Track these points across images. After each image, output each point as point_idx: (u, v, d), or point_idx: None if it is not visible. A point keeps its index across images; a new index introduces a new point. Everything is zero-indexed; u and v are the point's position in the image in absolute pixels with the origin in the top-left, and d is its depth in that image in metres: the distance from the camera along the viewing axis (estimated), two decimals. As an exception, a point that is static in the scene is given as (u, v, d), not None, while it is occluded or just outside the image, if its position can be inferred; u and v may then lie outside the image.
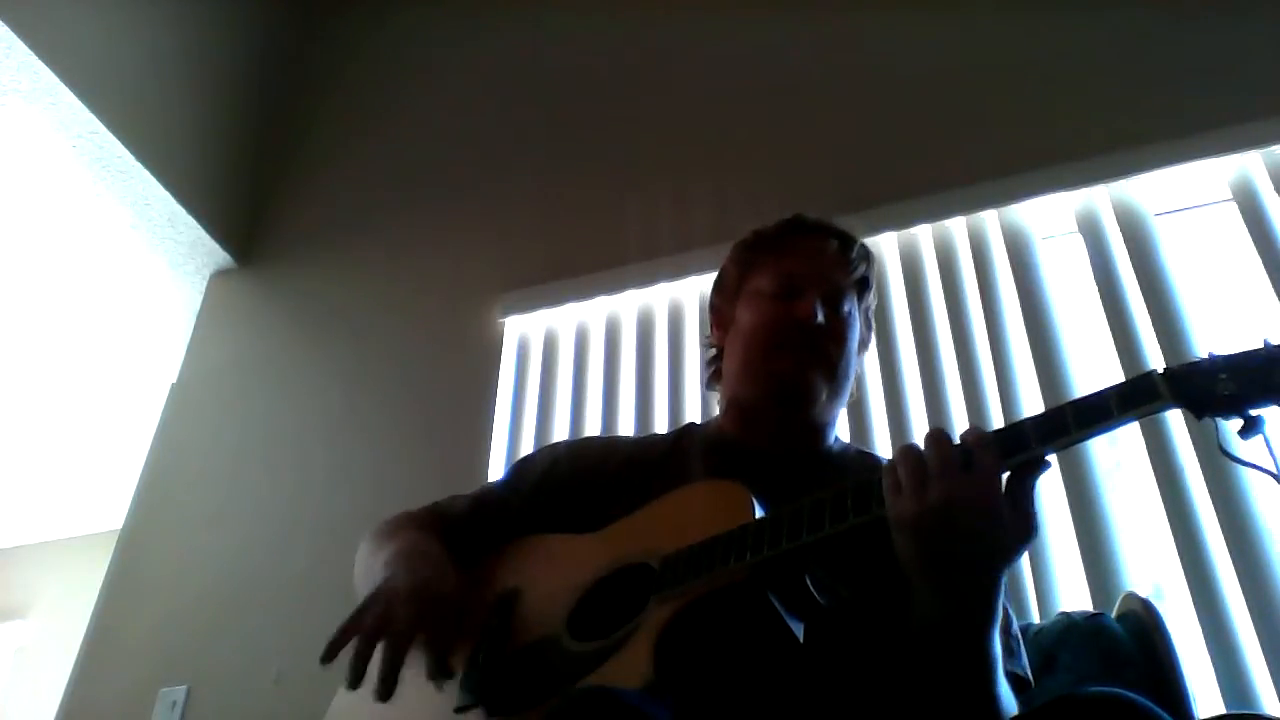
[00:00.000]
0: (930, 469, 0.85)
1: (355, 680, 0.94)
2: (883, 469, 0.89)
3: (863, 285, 1.28)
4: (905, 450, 0.88)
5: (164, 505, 2.44)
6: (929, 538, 0.85)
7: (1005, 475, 0.86)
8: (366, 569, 1.18)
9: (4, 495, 4.41)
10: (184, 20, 2.85)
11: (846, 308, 1.24)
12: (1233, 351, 0.81)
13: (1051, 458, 0.87)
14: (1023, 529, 0.86)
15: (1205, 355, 0.82)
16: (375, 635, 0.95)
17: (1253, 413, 0.78)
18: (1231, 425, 0.79)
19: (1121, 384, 0.84)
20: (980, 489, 0.84)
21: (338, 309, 2.65)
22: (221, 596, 2.22)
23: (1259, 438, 0.78)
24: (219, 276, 2.86)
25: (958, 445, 0.87)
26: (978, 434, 0.87)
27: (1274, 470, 0.78)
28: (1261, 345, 0.80)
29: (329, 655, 0.96)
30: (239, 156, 2.95)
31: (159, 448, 2.56)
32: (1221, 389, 0.79)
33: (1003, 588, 0.89)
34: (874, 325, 1.36)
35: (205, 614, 2.20)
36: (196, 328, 2.78)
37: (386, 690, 0.94)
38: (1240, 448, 0.80)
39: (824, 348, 1.21)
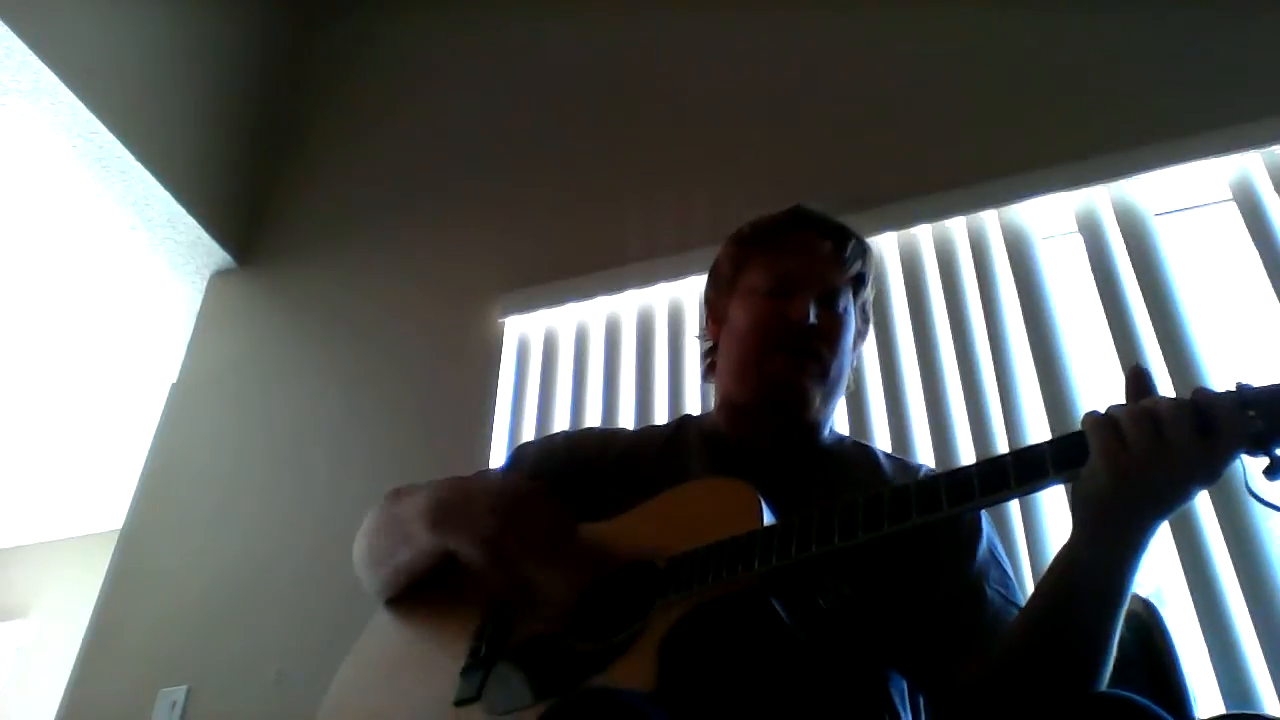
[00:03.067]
0: (1169, 434, 0.79)
1: None
2: (1106, 421, 0.82)
3: (858, 281, 1.28)
4: (1149, 406, 0.81)
5: (164, 505, 2.44)
6: (1138, 496, 0.82)
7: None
8: (389, 526, 1.19)
9: (4, 495, 4.41)
10: (184, 20, 2.84)
11: (841, 304, 1.24)
12: (1261, 385, 0.76)
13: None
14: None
15: (1232, 387, 0.78)
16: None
17: None
18: (1256, 464, 0.75)
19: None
20: (1210, 459, 0.78)
21: (338, 309, 2.65)
22: (221, 596, 2.22)
23: None
24: (219, 276, 2.86)
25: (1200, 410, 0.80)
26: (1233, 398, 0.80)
27: None
28: None
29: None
30: (239, 156, 2.95)
31: (159, 448, 2.56)
32: (1249, 425, 0.75)
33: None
34: (870, 317, 1.35)
35: (205, 614, 2.20)
36: (196, 328, 2.78)
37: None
38: (1264, 487, 0.76)
39: (816, 350, 1.20)
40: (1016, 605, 1.07)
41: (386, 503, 1.22)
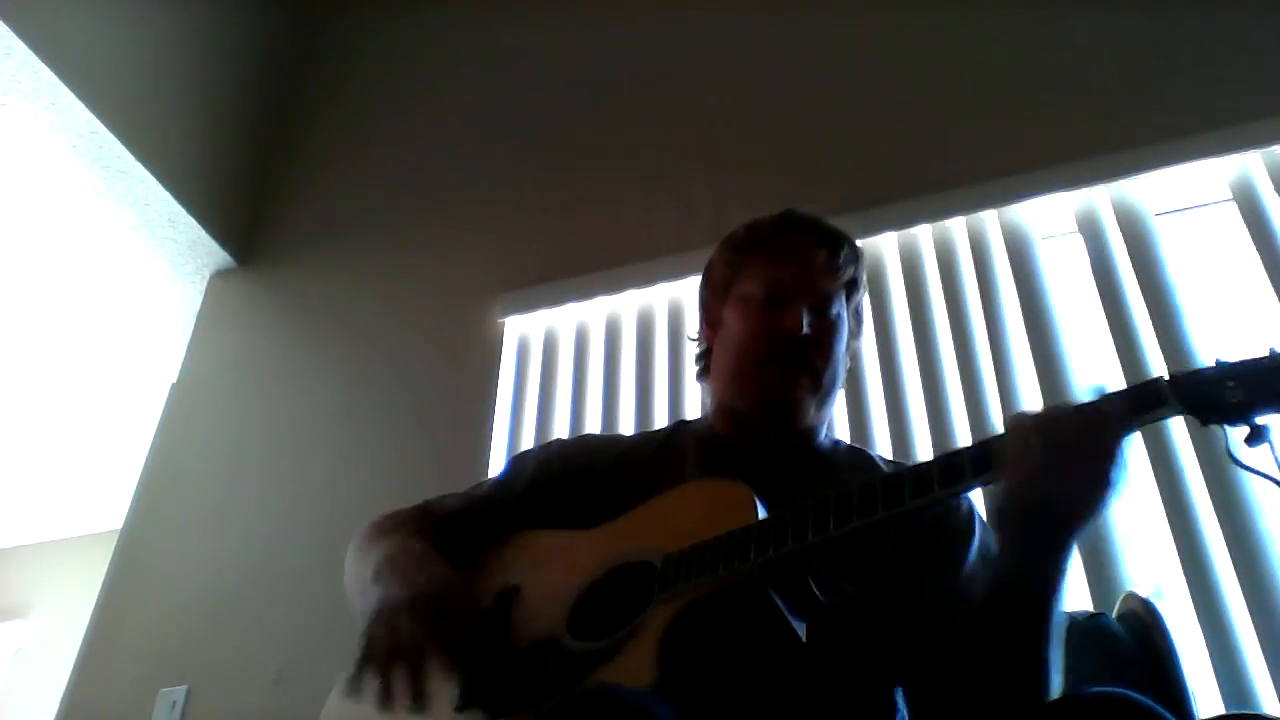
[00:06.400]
0: (1066, 434, 0.85)
1: (387, 704, 0.92)
2: (1010, 432, 0.89)
3: (851, 285, 1.28)
4: (1048, 414, 0.89)
5: (164, 505, 2.44)
6: (1040, 493, 0.87)
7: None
8: (356, 576, 1.17)
9: (4, 495, 4.40)
10: (184, 20, 2.84)
11: (835, 310, 1.24)
12: (1240, 359, 0.81)
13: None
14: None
15: (1212, 362, 0.81)
16: (389, 662, 0.93)
17: (1259, 421, 0.79)
18: (1237, 433, 0.79)
19: (1127, 390, 0.83)
20: (1092, 454, 0.85)
21: (338, 309, 2.65)
22: (221, 596, 2.21)
23: (1265, 446, 0.79)
24: (219, 276, 2.86)
25: (1085, 411, 0.87)
26: (1107, 399, 0.88)
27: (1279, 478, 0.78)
28: (1269, 353, 0.80)
29: (354, 690, 0.94)
30: (239, 156, 2.95)
31: (159, 448, 2.56)
32: (1229, 396, 0.79)
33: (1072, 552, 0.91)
34: (863, 319, 1.36)
35: (205, 614, 2.20)
36: (196, 328, 2.78)
37: (420, 707, 0.91)
38: (1246, 455, 0.80)
39: (810, 360, 1.20)
40: None
41: (365, 535, 1.22)
